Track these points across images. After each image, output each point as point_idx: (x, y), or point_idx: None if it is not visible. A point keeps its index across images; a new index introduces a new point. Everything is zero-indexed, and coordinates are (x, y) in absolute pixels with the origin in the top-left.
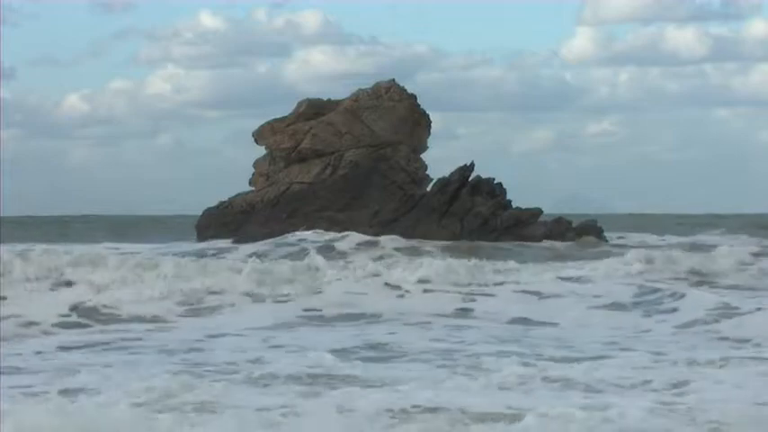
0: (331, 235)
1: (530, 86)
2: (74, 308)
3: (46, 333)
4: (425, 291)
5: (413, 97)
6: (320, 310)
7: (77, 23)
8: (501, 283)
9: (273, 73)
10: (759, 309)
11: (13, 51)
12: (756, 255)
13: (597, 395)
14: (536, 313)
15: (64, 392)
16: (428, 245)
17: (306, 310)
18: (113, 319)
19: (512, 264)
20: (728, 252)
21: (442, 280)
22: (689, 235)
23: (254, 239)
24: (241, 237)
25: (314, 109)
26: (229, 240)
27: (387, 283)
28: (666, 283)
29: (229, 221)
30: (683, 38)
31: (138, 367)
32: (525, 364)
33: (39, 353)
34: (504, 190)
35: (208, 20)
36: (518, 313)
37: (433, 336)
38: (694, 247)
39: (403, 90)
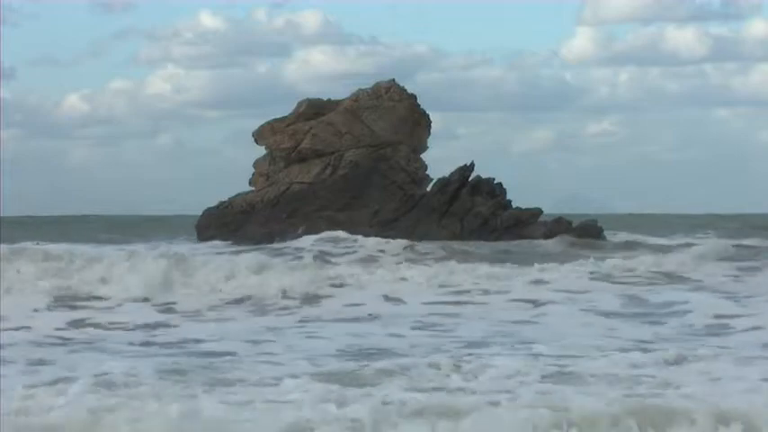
0: (330, 246)
1: (530, 86)
2: (72, 322)
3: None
4: (422, 302)
5: (413, 97)
6: (319, 316)
7: (77, 23)
8: (497, 291)
9: (273, 73)
10: (749, 314)
11: (13, 51)
12: (743, 258)
13: (592, 387)
14: (529, 315)
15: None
16: (427, 256)
17: (305, 317)
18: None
19: (507, 268)
20: (715, 255)
21: (437, 287)
22: (688, 236)
23: (253, 240)
24: (240, 238)
25: (314, 109)
26: (229, 242)
27: (385, 295)
28: (653, 286)
29: (229, 221)
30: (683, 38)
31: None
32: (519, 361)
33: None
34: (504, 190)
35: (208, 20)
36: (511, 316)
37: (429, 335)
38: (688, 249)
39: (403, 90)
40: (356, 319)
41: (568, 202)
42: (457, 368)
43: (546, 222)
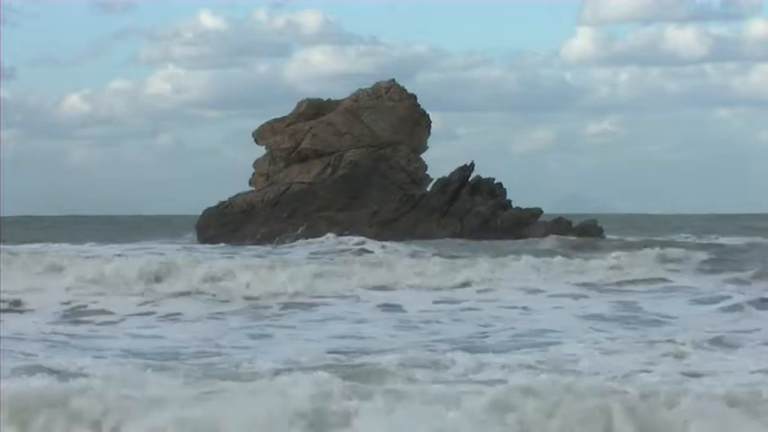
0: (327, 252)
1: (530, 86)
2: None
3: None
4: (419, 307)
5: (413, 97)
6: (317, 320)
7: (77, 23)
8: (491, 299)
9: (273, 73)
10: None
11: (13, 51)
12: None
13: (590, 377)
14: (518, 314)
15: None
16: (425, 259)
17: (302, 320)
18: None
19: (501, 273)
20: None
21: (433, 292)
22: (688, 236)
23: (253, 240)
24: (240, 238)
25: (314, 109)
26: (229, 243)
27: (384, 304)
28: (644, 290)
29: (229, 221)
30: (683, 38)
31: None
32: (510, 357)
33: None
34: (504, 190)
35: (208, 20)
36: (505, 317)
37: (424, 335)
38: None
39: (403, 90)
40: (353, 322)
41: (568, 202)
42: (453, 363)
43: (546, 222)
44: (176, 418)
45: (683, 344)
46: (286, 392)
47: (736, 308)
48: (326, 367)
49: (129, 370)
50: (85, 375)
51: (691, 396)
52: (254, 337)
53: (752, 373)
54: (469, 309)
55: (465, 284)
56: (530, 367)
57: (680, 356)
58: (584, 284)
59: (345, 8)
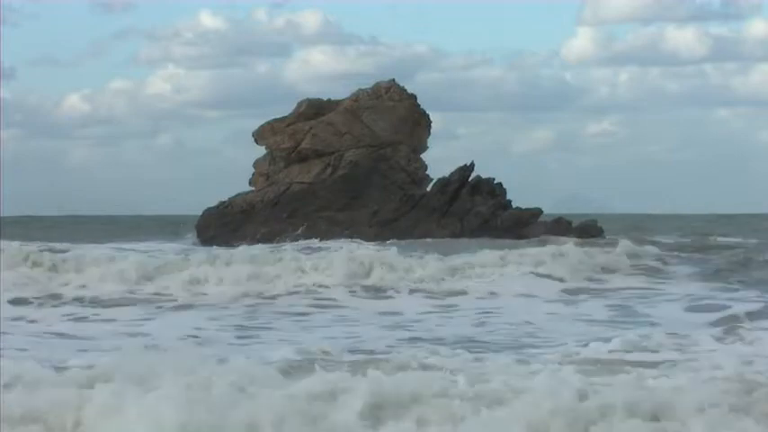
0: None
1: (530, 86)
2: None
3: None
4: (415, 311)
5: (413, 97)
6: (312, 322)
7: (77, 23)
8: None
9: (273, 73)
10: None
11: (13, 51)
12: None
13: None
14: (515, 313)
15: None
16: (418, 262)
17: (296, 321)
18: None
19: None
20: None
21: (424, 297)
22: (692, 236)
23: (253, 240)
24: (240, 238)
25: (314, 109)
26: (229, 243)
27: (383, 305)
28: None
29: (229, 221)
30: (683, 38)
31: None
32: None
33: None
34: (504, 190)
35: (208, 20)
36: (496, 313)
37: (416, 334)
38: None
39: (403, 90)
40: (349, 323)
41: (568, 202)
42: (448, 360)
43: (546, 222)
44: (172, 414)
45: (678, 342)
46: (283, 387)
47: (735, 309)
48: (322, 362)
49: (123, 364)
50: (81, 370)
51: (688, 394)
52: (251, 336)
53: (745, 365)
54: (466, 309)
55: (463, 285)
56: (527, 366)
57: (677, 353)
58: (584, 286)
59: (345, 8)
